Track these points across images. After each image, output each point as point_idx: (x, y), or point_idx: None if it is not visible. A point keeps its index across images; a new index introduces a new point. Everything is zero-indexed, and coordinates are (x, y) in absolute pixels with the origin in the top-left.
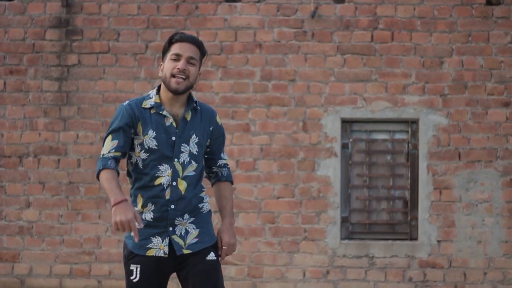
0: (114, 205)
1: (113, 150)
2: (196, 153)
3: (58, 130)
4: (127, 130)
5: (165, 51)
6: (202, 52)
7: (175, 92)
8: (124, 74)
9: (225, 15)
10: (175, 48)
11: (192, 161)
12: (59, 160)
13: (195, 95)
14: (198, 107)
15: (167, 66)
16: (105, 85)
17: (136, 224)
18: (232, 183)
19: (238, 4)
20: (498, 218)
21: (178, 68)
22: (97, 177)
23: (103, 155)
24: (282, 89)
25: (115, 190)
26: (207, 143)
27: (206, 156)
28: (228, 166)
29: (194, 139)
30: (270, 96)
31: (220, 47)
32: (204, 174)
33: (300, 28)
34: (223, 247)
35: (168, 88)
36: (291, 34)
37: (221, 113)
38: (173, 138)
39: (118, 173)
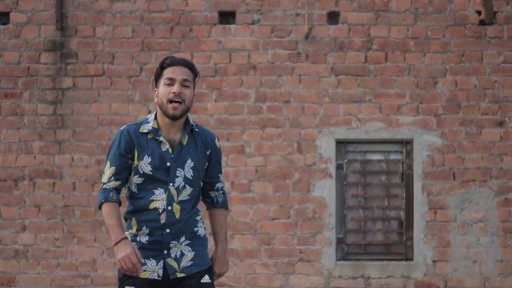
0: (115, 244)
1: (113, 179)
2: (191, 178)
3: (53, 154)
4: (124, 156)
5: (157, 76)
6: (195, 73)
7: (173, 118)
8: (119, 97)
9: (219, 37)
10: (168, 73)
11: (187, 186)
12: (54, 183)
13: (190, 117)
14: (196, 130)
15: (162, 91)
16: (100, 108)
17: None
18: (227, 209)
19: (232, 26)
20: (493, 237)
21: (173, 92)
22: (99, 207)
23: (104, 184)
24: (277, 111)
25: (115, 229)
26: (205, 167)
27: (204, 179)
28: (224, 190)
29: (189, 163)
30: (265, 117)
31: (214, 69)
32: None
33: (294, 50)
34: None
35: (166, 114)
36: (285, 56)
37: (217, 133)
38: (168, 164)
39: (120, 203)
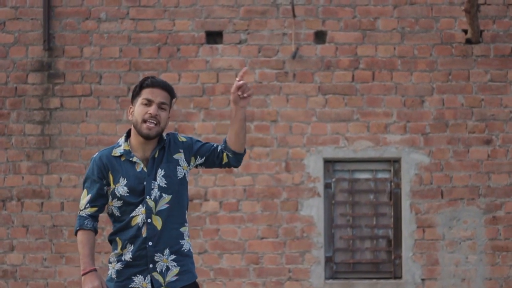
0: (83, 275)
1: (88, 206)
2: (165, 185)
3: (41, 174)
4: (98, 182)
5: (135, 94)
6: (172, 96)
7: (147, 138)
8: (107, 117)
9: (207, 57)
10: (146, 93)
11: (163, 194)
12: (42, 203)
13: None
14: (167, 142)
15: (138, 110)
16: (87, 128)
17: None
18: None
19: (220, 46)
20: (482, 255)
21: (150, 113)
22: (75, 234)
23: (80, 211)
24: (265, 130)
25: (85, 259)
26: (190, 164)
27: (205, 159)
28: (234, 150)
29: (160, 173)
30: (253, 137)
31: (202, 89)
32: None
33: (281, 69)
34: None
35: (139, 133)
36: (272, 75)
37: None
38: (144, 183)
39: (96, 231)
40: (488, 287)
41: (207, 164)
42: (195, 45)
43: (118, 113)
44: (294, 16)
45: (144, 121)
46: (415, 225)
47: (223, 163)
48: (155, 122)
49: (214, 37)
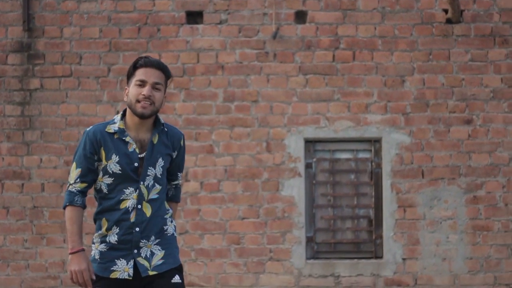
0: (70, 253)
1: (79, 180)
2: (160, 176)
3: (21, 155)
4: (90, 157)
5: (129, 75)
6: (167, 75)
7: (141, 117)
8: (87, 98)
9: (187, 37)
10: (140, 74)
11: (156, 184)
12: (23, 184)
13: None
14: (166, 129)
15: (132, 91)
16: (68, 109)
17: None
18: (177, 202)
19: (200, 26)
20: (462, 235)
21: (143, 95)
22: (63, 208)
23: (70, 185)
24: (245, 110)
25: (74, 237)
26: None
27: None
28: (179, 186)
29: (160, 162)
30: (233, 117)
31: (182, 69)
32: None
33: (262, 49)
34: None
35: (134, 112)
36: (253, 55)
37: (185, 135)
38: (136, 164)
39: (84, 207)
40: (468, 267)
41: None
42: (175, 25)
43: (99, 94)
44: None
45: (138, 101)
46: (396, 205)
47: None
48: (149, 103)
49: (194, 17)
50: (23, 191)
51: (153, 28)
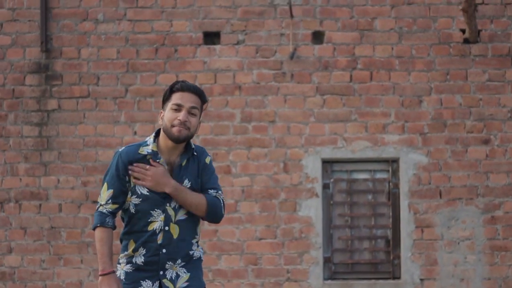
0: (101, 275)
1: (110, 202)
2: None
3: (39, 175)
4: (121, 178)
5: (165, 99)
6: (203, 100)
7: (176, 141)
8: (104, 118)
9: (204, 57)
10: (176, 98)
11: None
12: (40, 205)
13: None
14: (195, 153)
15: (168, 116)
16: (85, 130)
17: None
18: (207, 201)
19: (217, 47)
20: (480, 255)
21: (179, 120)
22: (93, 229)
23: (101, 205)
24: (263, 131)
25: (105, 258)
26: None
27: None
28: (217, 197)
29: (186, 183)
30: (251, 137)
31: None
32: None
33: (279, 70)
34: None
35: (169, 136)
36: (270, 76)
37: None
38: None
39: (114, 228)
40: (486, 287)
41: None
42: (192, 46)
43: (116, 115)
44: (291, 16)
45: (173, 126)
46: (414, 225)
47: None
48: (184, 127)
49: (211, 37)
50: (41, 212)
51: (170, 49)
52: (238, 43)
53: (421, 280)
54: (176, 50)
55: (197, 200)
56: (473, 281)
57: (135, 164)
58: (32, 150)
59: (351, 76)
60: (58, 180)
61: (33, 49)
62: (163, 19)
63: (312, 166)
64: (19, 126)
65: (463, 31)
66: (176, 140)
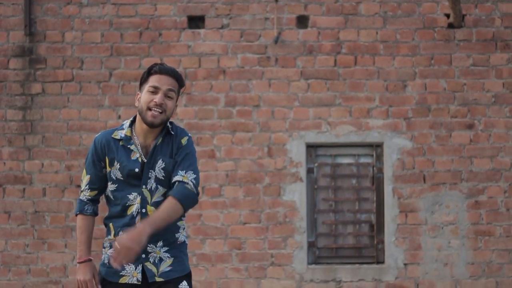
0: (78, 263)
1: (88, 187)
2: (163, 178)
3: (22, 159)
4: (97, 164)
5: (143, 81)
6: (180, 84)
7: (151, 126)
8: (88, 102)
9: (189, 41)
10: (153, 80)
11: (159, 187)
12: (24, 189)
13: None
14: (172, 133)
15: (144, 98)
16: (69, 114)
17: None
18: (176, 199)
19: (202, 31)
20: (464, 240)
21: (155, 102)
22: (75, 215)
23: (81, 192)
24: (247, 115)
25: (82, 246)
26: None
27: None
28: (183, 182)
29: (160, 164)
30: (235, 122)
31: (184, 74)
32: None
33: (263, 54)
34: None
35: (144, 120)
36: (254, 60)
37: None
38: (137, 170)
39: (96, 214)
40: (470, 272)
41: None
42: (177, 30)
43: (100, 99)
44: (276, 0)
45: (149, 108)
46: (398, 209)
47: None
48: (160, 111)
49: (196, 21)
50: (25, 196)
51: (154, 33)
52: (222, 27)
53: (405, 264)
54: (160, 34)
55: (171, 211)
56: (456, 266)
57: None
58: (16, 134)
59: (335, 60)
60: (42, 164)
61: (16, 33)
62: (147, 3)
63: (296, 151)
64: (3, 110)
65: (448, 15)
66: (150, 125)
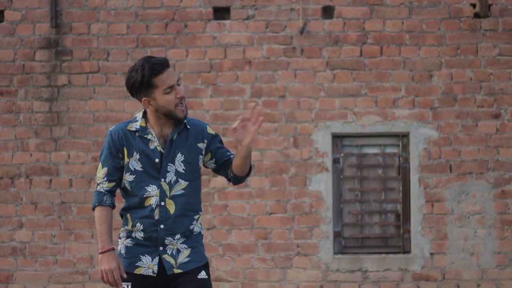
0: (100, 253)
1: (106, 180)
2: (184, 171)
3: (49, 151)
4: (114, 155)
5: (146, 86)
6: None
7: (184, 119)
8: (115, 94)
9: (214, 33)
10: (163, 81)
11: (180, 180)
12: (51, 180)
13: None
14: (188, 126)
15: (165, 99)
16: (95, 105)
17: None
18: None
19: (227, 22)
20: (491, 229)
21: (179, 97)
22: (93, 209)
23: (98, 184)
24: (273, 105)
25: (104, 236)
26: (204, 158)
27: (216, 165)
28: None
29: (179, 157)
30: (261, 112)
31: (209, 65)
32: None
33: (289, 45)
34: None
35: (176, 118)
36: (280, 51)
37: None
38: (157, 160)
39: (113, 207)
40: (497, 261)
41: (216, 170)
42: (202, 21)
43: (126, 90)
44: None
45: (176, 106)
46: (424, 199)
47: (227, 177)
48: (184, 103)
49: (221, 13)
50: (51, 187)
51: (180, 24)
52: (248, 18)
53: (431, 254)
54: (186, 26)
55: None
56: (483, 255)
57: None
58: (43, 126)
59: (361, 50)
60: (69, 156)
61: (43, 25)
62: None
63: (322, 141)
64: (30, 101)
65: (474, 5)
66: (183, 119)
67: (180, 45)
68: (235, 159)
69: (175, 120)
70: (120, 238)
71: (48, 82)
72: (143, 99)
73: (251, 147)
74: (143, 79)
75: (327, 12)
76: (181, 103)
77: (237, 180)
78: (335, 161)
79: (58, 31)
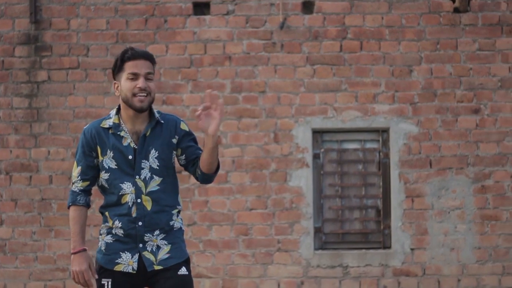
0: (72, 254)
1: (79, 178)
2: (158, 167)
3: (29, 147)
4: (88, 154)
5: (118, 69)
6: (154, 63)
7: (140, 111)
8: (94, 90)
9: (194, 28)
10: (130, 67)
11: (155, 176)
12: (31, 177)
13: (166, 109)
14: (162, 121)
15: (126, 86)
16: (75, 101)
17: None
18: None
19: (207, 17)
20: (471, 224)
21: (138, 87)
22: (68, 208)
23: (72, 184)
24: (253, 101)
25: (76, 237)
26: (176, 153)
27: (186, 162)
28: None
29: (153, 153)
30: (241, 108)
31: (189, 60)
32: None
33: (269, 40)
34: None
35: (132, 107)
36: (260, 46)
37: (192, 126)
38: (130, 157)
39: (88, 206)
40: (477, 256)
41: (185, 166)
42: (182, 17)
43: (106, 86)
44: None
45: (134, 95)
46: (404, 195)
47: (195, 175)
48: (145, 94)
49: (201, 8)
50: (31, 184)
51: (160, 20)
52: (228, 13)
53: (412, 249)
54: (165, 21)
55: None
56: (463, 250)
57: None
58: (22, 122)
59: (341, 45)
60: (49, 152)
61: (22, 20)
62: None
63: (303, 136)
64: (9, 97)
65: (453, 0)
66: (140, 110)
67: (160, 40)
68: (202, 154)
69: (133, 109)
70: (100, 234)
71: (27, 78)
72: (114, 82)
73: (217, 139)
74: (117, 61)
75: (307, 7)
76: (142, 94)
77: (204, 178)
78: (316, 156)
79: (37, 27)
